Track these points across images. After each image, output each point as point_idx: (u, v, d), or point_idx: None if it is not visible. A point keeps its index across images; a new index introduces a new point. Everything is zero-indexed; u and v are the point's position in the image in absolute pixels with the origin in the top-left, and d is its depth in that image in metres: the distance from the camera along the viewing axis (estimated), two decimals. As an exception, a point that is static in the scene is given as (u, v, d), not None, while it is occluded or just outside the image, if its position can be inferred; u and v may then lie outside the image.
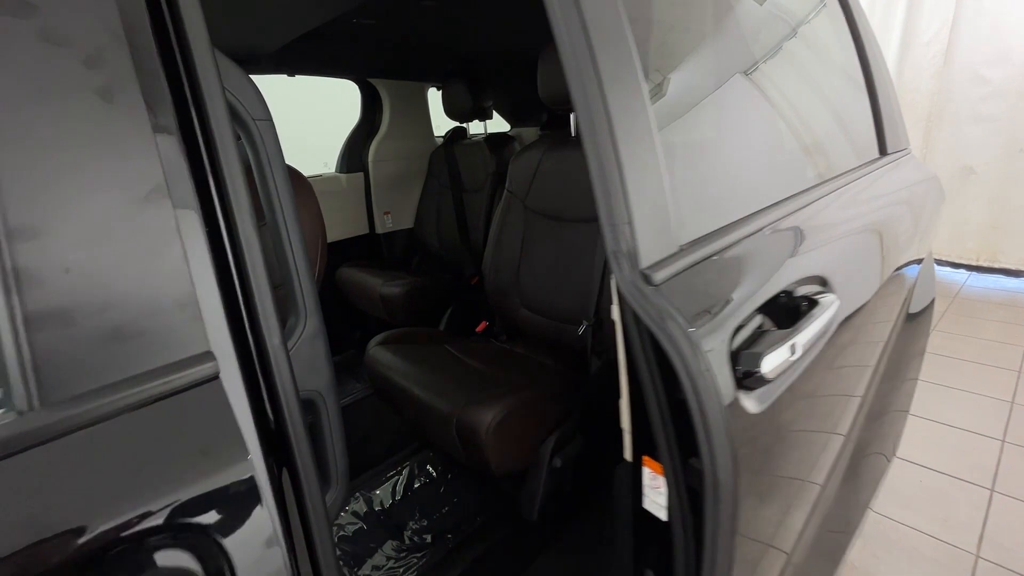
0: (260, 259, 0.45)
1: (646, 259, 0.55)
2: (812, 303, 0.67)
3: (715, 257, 0.62)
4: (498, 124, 2.91)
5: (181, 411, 0.37)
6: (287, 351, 0.47)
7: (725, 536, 0.55)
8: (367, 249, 2.50)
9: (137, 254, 0.36)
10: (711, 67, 0.80)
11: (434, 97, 2.56)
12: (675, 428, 0.55)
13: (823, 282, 0.73)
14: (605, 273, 1.26)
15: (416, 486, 1.50)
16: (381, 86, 2.34)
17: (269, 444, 0.43)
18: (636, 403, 0.59)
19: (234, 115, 0.52)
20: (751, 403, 0.57)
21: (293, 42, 1.57)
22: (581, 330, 1.30)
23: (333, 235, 2.36)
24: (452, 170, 2.30)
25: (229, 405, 0.39)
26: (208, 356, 0.38)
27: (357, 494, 1.46)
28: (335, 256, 2.33)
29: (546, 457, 1.13)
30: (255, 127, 0.55)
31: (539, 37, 0.99)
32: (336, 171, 2.41)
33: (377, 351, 1.36)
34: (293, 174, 1.27)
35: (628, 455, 0.63)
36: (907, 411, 1.45)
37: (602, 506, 1.37)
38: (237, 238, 0.44)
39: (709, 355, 0.52)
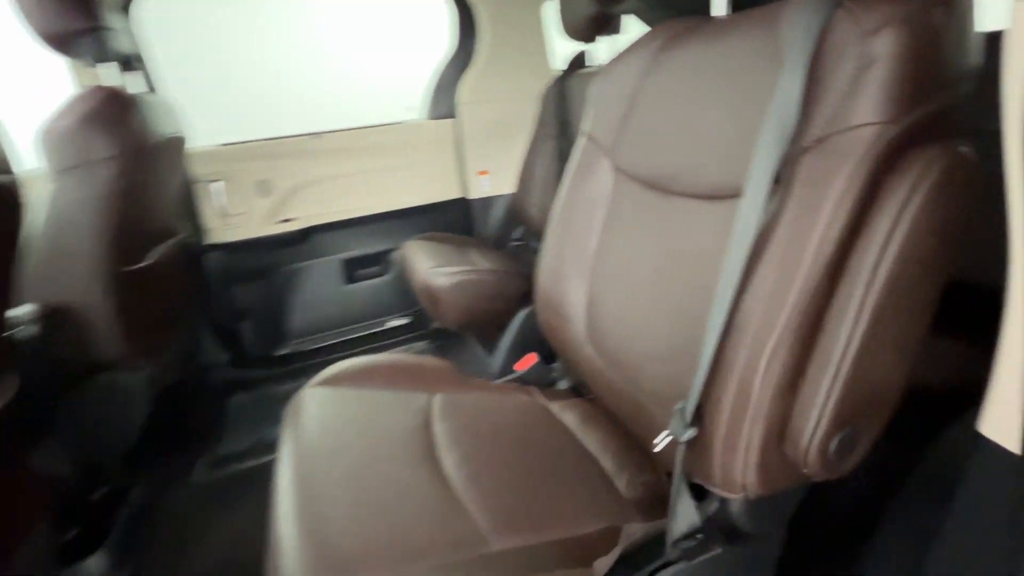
0: None
1: None
2: None
3: None
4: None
5: None
6: None
7: None
8: (460, 219, 2.00)
9: None
10: None
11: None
12: None
13: None
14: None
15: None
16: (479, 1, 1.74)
17: None
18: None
19: None
20: None
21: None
22: (660, 442, 0.60)
23: (416, 199, 1.91)
24: (562, 115, 1.62)
25: None
26: None
27: None
28: (408, 228, 1.88)
29: None
30: None
31: None
32: (424, 117, 1.92)
33: (311, 398, 0.83)
34: None
35: None
36: None
37: None
38: None
39: None
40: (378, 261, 1.96)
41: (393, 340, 1.93)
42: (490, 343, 1.58)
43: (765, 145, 0.52)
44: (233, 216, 1.67)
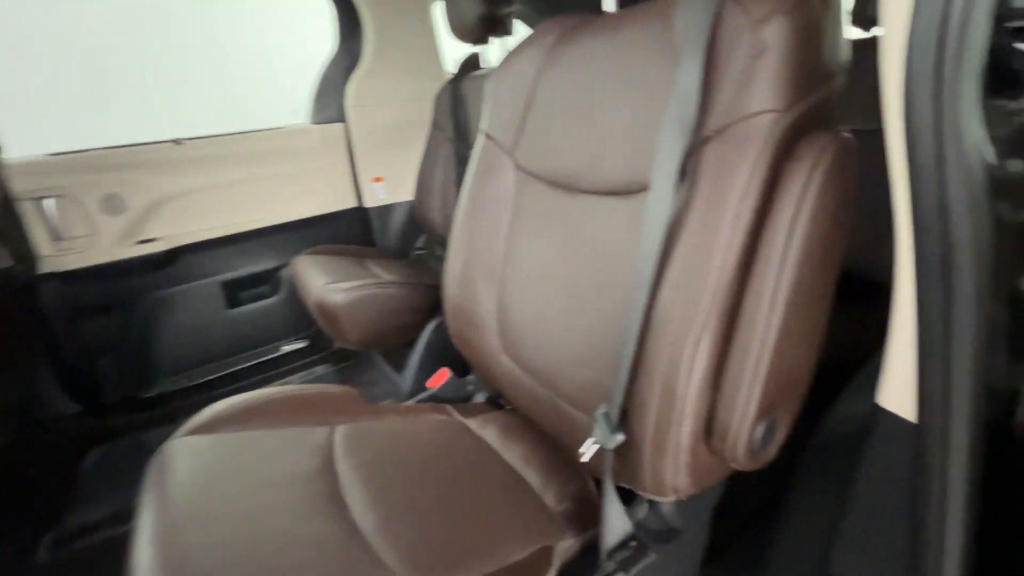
0: None
1: None
2: None
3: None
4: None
5: None
6: None
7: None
8: (357, 230, 1.87)
9: None
10: None
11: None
12: None
13: None
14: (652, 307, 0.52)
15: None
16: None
17: None
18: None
19: None
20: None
21: None
22: (586, 451, 0.57)
23: (306, 209, 1.75)
24: (457, 118, 1.57)
25: None
26: None
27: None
28: (299, 242, 1.72)
29: None
30: None
31: None
32: (310, 121, 1.77)
33: (181, 450, 0.68)
34: None
35: None
36: None
37: None
38: None
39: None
40: (266, 280, 1.77)
41: (289, 367, 1.75)
42: (399, 360, 1.48)
43: (668, 137, 0.51)
44: (73, 239, 1.40)
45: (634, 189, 0.60)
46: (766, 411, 0.48)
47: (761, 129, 0.46)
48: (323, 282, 1.29)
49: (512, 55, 0.80)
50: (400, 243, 1.87)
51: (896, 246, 0.45)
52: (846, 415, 0.66)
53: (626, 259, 0.60)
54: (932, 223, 0.39)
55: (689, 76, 0.50)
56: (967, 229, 0.38)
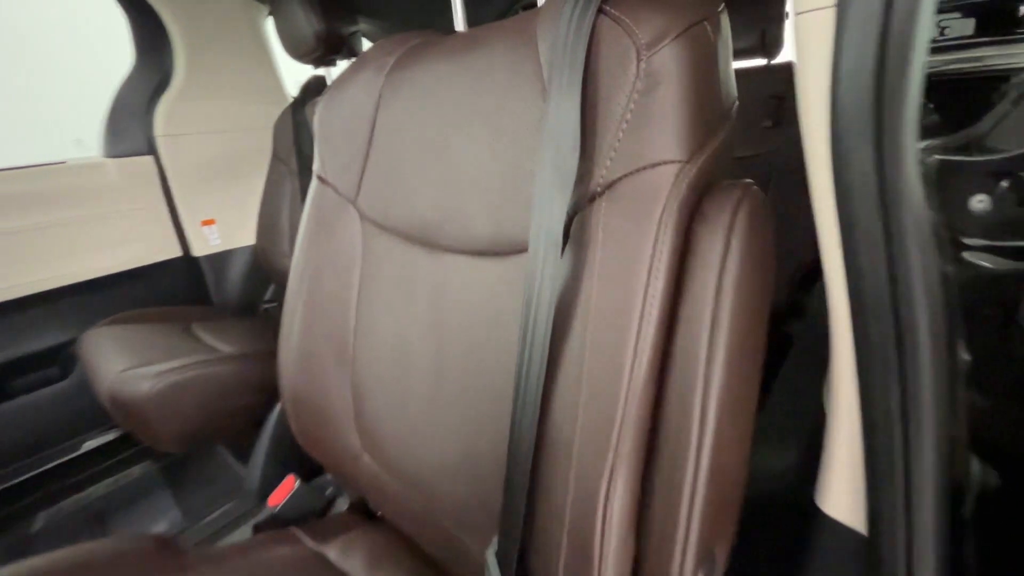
0: None
1: None
2: None
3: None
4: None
5: None
6: None
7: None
8: (184, 284, 1.52)
9: None
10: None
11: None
12: None
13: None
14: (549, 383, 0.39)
15: None
16: (160, 1, 1.34)
17: None
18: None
19: None
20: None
21: None
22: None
23: (107, 264, 1.38)
24: (302, 148, 1.35)
25: None
26: None
27: None
28: (103, 306, 1.35)
29: None
30: None
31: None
32: (102, 154, 1.41)
33: None
34: None
35: None
36: None
37: None
38: None
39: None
40: (52, 360, 1.35)
41: (96, 470, 1.35)
42: (243, 445, 1.19)
43: (543, 191, 0.39)
44: None
45: (507, 251, 0.47)
46: (706, 552, 0.36)
47: (662, 185, 0.35)
48: (120, 366, 0.97)
49: (342, 80, 0.63)
50: (243, 297, 1.56)
51: (824, 316, 0.37)
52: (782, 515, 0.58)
53: (505, 338, 0.46)
54: (881, 302, 0.30)
55: (564, 114, 0.38)
56: (925, 307, 0.30)
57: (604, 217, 0.37)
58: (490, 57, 0.49)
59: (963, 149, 0.50)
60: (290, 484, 0.73)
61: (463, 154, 0.50)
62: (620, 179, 0.37)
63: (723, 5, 0.41)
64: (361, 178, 0.61)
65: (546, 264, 0.38)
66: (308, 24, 1.16)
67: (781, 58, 1.33)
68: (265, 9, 1.56)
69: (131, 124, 1.39)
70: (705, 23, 0.38)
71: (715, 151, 0.37)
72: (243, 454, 1.19)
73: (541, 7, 0.46)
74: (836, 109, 0.29)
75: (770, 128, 1.29)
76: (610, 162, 0.38)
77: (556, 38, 0.41)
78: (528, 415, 0.38)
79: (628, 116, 0.37)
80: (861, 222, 0.30)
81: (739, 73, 1.38)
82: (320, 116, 0.65)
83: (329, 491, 0.79)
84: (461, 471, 0.50)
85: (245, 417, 1.04)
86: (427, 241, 0.55)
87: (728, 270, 0.34)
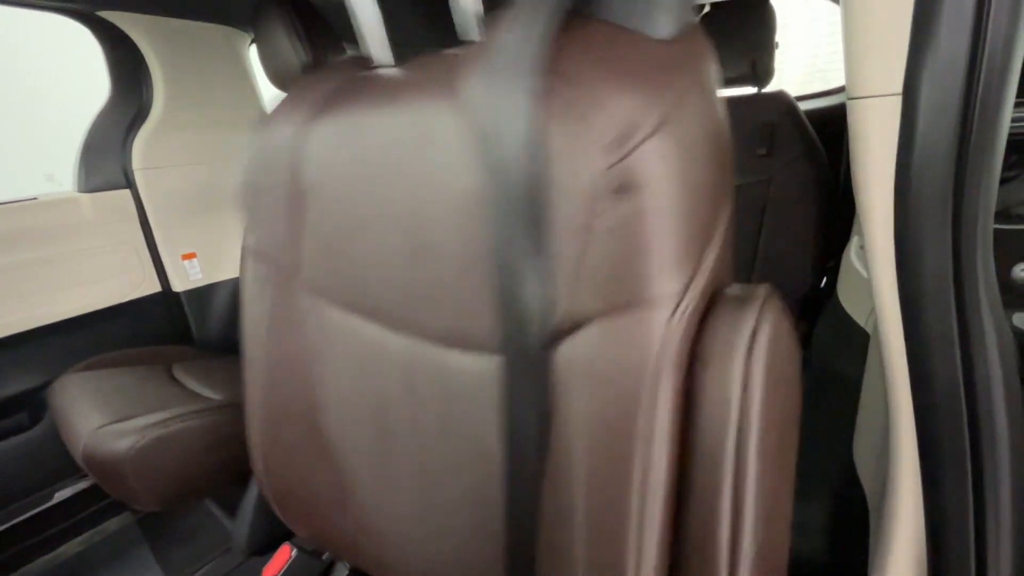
0: None
1: None
2: None
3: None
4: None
5: None
6: None
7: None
8: (165, 322, 1.46)
9: None
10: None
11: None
12: None
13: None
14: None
15: None
16: (137, 30, 1.29)
17: None
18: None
19: None
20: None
21: None
22: None
23: (82, 304, 1.31)
24: (289, 179, 1.30)
25: None
26: None
27: None
28: (77, 347, 1.28)
29: None
30: None
31: None
32: (76, 189, 1.34)
33: None
34: None
35: None
36: None
37: None
38: None
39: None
40: (21, 407, 1.27)
41: (68, 523, 1.27)
42: (229, 495, 1.13)
43: (510, 312, 0.33)
44: None
45: (474, 347, 0.40)
46: None
47: (656, 326, 0.30)
48: (96, 422, 0.91)
49: (264, 135, 0.52)
50: (227, 332, 1.50)
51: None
52: None
53: (487, 440, 0.40)
54: (956, 411, 0.28)
55: (509, 224, 0.31)
56: (1004, 415, 0.27)
57: (591, 351, 0.33)
58: (419, 114, 0.39)
59: (999, 216, 0.49)
60: (286, 554, 0.68)
61: (414, 230, 0.41)
62: (597, 317, 0.32)
63: (713, 54, 0.33)
64: (301, 249, 0.51)
65: (521, 371, 0.34)
66: (293, 52, 1.12)
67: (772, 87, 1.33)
68: (248, 37, 1.52)
69: (107, 157, 1.33)
70: (692, 92, 0.31)
71: (714, 263, 0.31)
72: (230, 505, 1.13)
73: (461, 62, 0.35)
74: (906, 199, 0.27)
75: (764, 156, 1.29)
76: (595, 294, 0.32)
77: (489, 117, 0.31)
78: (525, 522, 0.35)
79: (598, 230, 0.30)
80: (933, 325, 0.27)
81: (730, 101, 1.38)
82: (244, 177, 0.54)
83: (326, 555, 0.74)
84: (458, 571, 0.47)
85: (233, 470, 0.98)
86: (391, 324, 0.46)
87: (751, 405, 0.30)
